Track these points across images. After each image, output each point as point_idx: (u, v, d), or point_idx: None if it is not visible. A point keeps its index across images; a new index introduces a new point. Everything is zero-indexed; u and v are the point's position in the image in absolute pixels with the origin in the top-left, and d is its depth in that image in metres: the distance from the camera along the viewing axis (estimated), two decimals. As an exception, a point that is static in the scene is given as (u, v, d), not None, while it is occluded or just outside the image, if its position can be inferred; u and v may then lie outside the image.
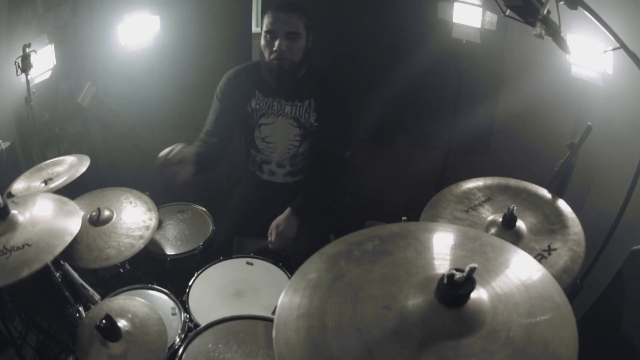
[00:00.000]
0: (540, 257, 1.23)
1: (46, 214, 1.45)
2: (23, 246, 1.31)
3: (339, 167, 2.12)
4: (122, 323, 1.35)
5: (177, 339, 1.51)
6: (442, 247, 0.93)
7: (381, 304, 0.80)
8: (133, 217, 1.72)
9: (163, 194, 2.18)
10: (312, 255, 0.93)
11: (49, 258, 1.28)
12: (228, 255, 1.91)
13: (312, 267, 0.89)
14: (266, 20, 1.89)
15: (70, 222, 1.42)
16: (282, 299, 0.83)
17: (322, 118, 2.03)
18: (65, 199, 1.53)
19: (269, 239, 1.95)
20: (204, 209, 2.25)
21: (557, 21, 1.38)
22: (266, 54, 1.93)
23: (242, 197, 2.34)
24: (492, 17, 2.36)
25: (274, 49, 1.88)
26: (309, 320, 0.78)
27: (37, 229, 1.37)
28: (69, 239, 1.34)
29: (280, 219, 1.96)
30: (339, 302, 0.81)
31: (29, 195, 1.55)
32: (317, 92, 2.01)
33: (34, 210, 1.45)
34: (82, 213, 1.50)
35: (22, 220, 1.41)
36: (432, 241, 0.95)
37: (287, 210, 1.97)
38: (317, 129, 2.05)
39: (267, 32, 1.89)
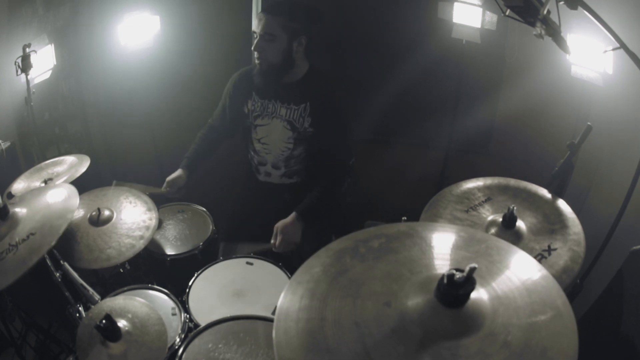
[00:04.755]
0: (540, 257, 1.23)
1: (44, 203, 1.45)
2: (28, 237, 1.32)
3: (343, 173, 2.13)
4: (122, 323, 1.35)
5: (177, 339, 1.51)
6: (447, 247, 0.93)
7: (381, 300, 0.80)
8: (133, 217, 1.72)
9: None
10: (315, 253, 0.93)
11: (55, 238, 1.29)
12: (228, 256, 1.91)
13: (318, 262, 0.89)
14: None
15: (68, 201, 1.42)
16: (285, 291, 0.84)
17: (318, 124, 2.01)
18: (59, 183, 1.54)
19: (273, 241, 1.95)
20: (204, 209, 2.24)
21: (557, 21, 1.38)
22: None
23: (242, 198, 2.34)
24: (492, 17, 2.37)
25: (252, 48, 1.93)
26: (309, 312, 0.79)
27: (38, 217, 1.38)
28: (71, 216, 1.36)
29: (285, 224, 1.96)
30: (340, 296, 0.81)
31: (26, 193, 1.55)
32: (314, 98, 2.00)
33: (32, 204, 1.46)
34: (76, 190, 1.50)
35: (22, 215, 1.41)
36: (438, 241, 0.95)
37: (292, 215, 1.97)
38: (312, 134, 2.03)
39: (252, 32, 1.95)
